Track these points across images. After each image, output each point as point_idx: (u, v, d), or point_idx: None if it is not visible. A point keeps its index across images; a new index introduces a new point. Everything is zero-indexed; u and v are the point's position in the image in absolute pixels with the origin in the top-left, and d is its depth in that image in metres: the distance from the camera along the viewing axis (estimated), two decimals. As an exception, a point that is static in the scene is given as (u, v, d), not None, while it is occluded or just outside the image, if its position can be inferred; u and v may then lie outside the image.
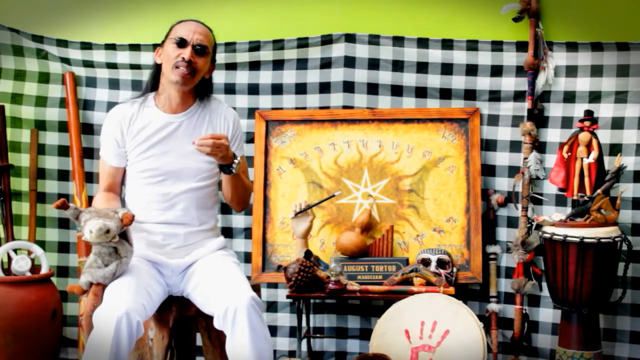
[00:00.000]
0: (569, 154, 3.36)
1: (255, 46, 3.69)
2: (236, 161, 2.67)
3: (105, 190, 2.79)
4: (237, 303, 2.42)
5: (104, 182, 2.81)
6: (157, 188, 2.70)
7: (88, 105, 3.83)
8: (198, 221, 2.73)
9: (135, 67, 3.75)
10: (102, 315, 2.37)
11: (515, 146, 3.58)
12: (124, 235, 2.53)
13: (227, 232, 3.72)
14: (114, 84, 3.80)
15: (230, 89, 3.72)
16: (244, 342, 2.41)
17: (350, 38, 3.63)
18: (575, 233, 3.16)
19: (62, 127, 3.82)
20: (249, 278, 3.36)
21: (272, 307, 3.72)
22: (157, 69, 2.78)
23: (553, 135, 3.53)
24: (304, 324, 3.57)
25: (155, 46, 3.65)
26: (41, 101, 3.82)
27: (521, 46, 3.52)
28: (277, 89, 3.72)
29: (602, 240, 3.13)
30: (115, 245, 2.50)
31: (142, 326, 2.40)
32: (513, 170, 3.58)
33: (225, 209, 3.75)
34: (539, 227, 3.39)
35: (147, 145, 2.70)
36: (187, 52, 2.66)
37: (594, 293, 3.18)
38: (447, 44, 3.58)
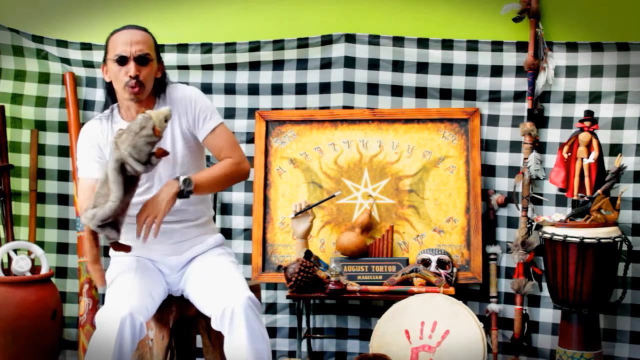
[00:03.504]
0: (569, 154, 3.36)
1: (255, 46, 3.69)
2: (188, 188, 2.50)
3: None
4: (234, 303, 2.42)
5: (88, 199, 2.61)
6: (145, 197, 2.64)
7: (88, 105, 3.83)
8: (193, 215, 2.71)
9: (135, 67, 3.74)
10: (106, 316, 2.37)
11: (515, 146, 3.58)
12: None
13: (227, 233, 3.72)
14: (114, 84, 3.80)
15: (230, 89, 3.72)
16: (242, 342, 2.41)
17: (350, 38, 3.63)
18: (575, 233, 3.16)
19: (62, 127, 3.82)
20: (248, 279, 3.36)
21: (272, 307, 3.72)
22: (109, 85, 2.70)
23: (553, 135, 3.53)
24: (304, 324, 3.57)
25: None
26: (41, 101, 3.82)
27: (521, 46, 3.52)
28: (277, 89, 3.72)
29: (602, 240, 3.13)
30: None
31: (145, 327, 2.41)
32: (513, 171, 3.58)
33: (224, 210, 3.75)
34: (539, 227, 3.39)
35: None
36: (131, 69, 2.56)
37: (594, 293, 3.18)
38: (447, 44, 3.58)
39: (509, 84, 3.56)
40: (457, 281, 3.46)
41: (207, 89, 3.70)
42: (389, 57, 3.62)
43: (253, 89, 3.73)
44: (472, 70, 3.57)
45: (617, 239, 3.16)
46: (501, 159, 3.60)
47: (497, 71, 3.56)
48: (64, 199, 3.84)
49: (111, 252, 2.77)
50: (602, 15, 3.47)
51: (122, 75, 2.57)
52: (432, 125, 3.62)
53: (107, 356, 2.31)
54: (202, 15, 3.73)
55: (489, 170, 3.61)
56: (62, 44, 3.77)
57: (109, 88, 2.70)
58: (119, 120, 2.69)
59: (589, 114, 3.35)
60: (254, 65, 3.72)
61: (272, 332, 3.70)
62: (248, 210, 3.73)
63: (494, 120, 3.59)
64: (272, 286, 3.71)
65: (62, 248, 3.85)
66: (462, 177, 3.58)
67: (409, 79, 3.63)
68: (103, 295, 3.70)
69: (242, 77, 3.73)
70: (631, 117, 3.44)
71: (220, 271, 2.62)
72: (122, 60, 2.57)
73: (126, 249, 2.52)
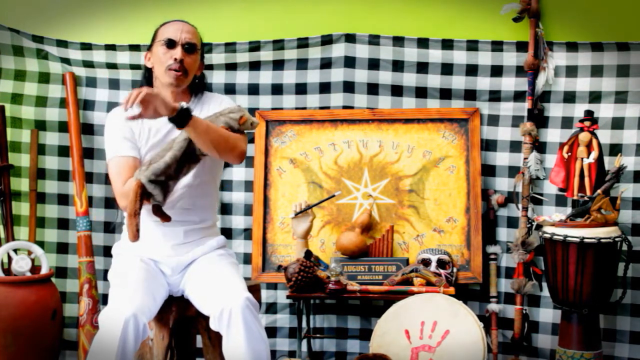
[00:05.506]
0: (569, 154, 3.36)
1: (255, 46, 3.69)
2: (183, 105, 2.40)
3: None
4: (232, 304, 2.42)
5: (126, 177, 2.60)
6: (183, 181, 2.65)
7: (88, 105, 3.83)
8: (198, 218, 2.73)
9: (135, 67, 3.75)
10: (109, 317, 2.37)
11: (515, 146, 3.58)
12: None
13: (227, 233, 3.72)
14: (114, 84, 3.80)
15: (230, 89, 3.72)
16: (240, 343, 2.41)
17: (350, 38, 3.63)
18: (575, 233, 3.16)
19: (62, 127, 3.82)
20: (248, 279, 3.36)
21: (272, 307, 3.72)
22: (148, 72, 2.76)
23: (553, 135, 3.53)
24: (304, 324, 3.57)
25: (154, 46, 3.70)
26: (41, 101, 3.82)
27: (521, 46, 3.52)
28: (277, 89, 3.72)
29: (602, 240, 3.13)
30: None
31: (147, 328, 2.41)
32: (513, 170, 3.58)
33: (225, 210, 3.75)
34: (539, 227, 3.39)
35: (148, 147, 2.69)
36: (177, 52, 2.64)
37: (594, 293, 3.18)
38: (447, 44, 3.58)
39: (509, 83, 3.56)
40: (457, 281, 3.46)
41: (207, 89, 3.70)
42: (389, 57, 3.62)
43: (253, 89, 3.73)
44: (472, 70, 3.57)
45: (617, 239, 3.16)
46: (501, 159, 3.60)
47: (497, 71, 3.56)
48: (64, 199, 3.84)
49: (114, 249, 2.79)
50: (602, 15, 3.47)
51: (167, 57, 2.64)
52: (432, 125, 3.62)
53: (110, 356, 2.31)
54: (202, 15, 3.72)
55: (489, 170, 3.61)
56: (62, 44, 3.77)
57: (148, 76, 2.75)
58: None
59: (589, 113, 3.35)
60: (254, 65, 3.72)
61: (272, 332, 3.70)
62: (248, 210, 3.73)
63: (494, 120, 3.60)
64: (272, 286, 3.71)
65: (62, 248, 3.85)
66: (462, 177, 3.58)
67: (409, 79, 3.63)
68: (103, 295, 3.71)
69: (242, 77, 3.73)
70: (631, 117, 3.44)
71: (219, 272, 2.62)
72: (170, 44, 2.66)
73: (165, 217, 2.55)
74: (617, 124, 3.45)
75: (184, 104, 2.41)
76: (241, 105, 2.68)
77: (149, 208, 2.62)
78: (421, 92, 3.63)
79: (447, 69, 3.59)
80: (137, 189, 2.48)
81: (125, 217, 2.76)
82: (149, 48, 2.74)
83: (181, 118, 2.39)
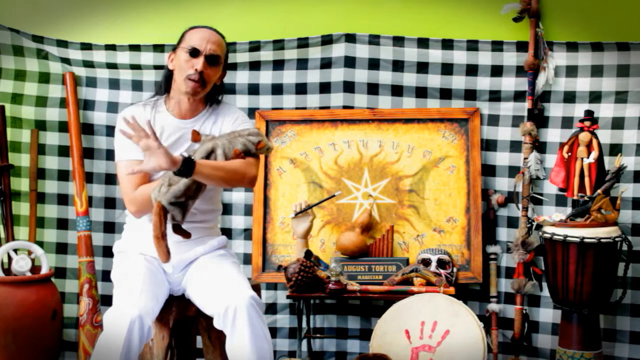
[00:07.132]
0: (569, 154, 3.36)
1: (255, 46, 3.69)
2: (184, 155, 2.40)
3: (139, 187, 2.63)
4: (236, 302, 2.42)
5: (136, 182, 2.61)
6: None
7: (88, 105, 3.83)
8: (199, 219, 2.73)
9: (135, 67, 3.75)
10: (115, 318, 2.37)
11: (515, 146, 3.58)
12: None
13: (227, 233, 3.72)
14: (114, 84, 3.80)
15: (230, 89, 3.72)
16: (244, 341, 2.41)
17: (350, 38, 3.63)
18: (575, 233, 3.16)
19: (62, 127, 3.82)
20: (248, 279, 3.36)
21: (272, 307, 3.72)
22: (169, 72, 2.74)
23: (553, 135, 3.53)
24: (304, 324, 3.57)
25: (155, 47, 3.70)
26: (41, 101, 3.82)
27: (521, 46, 3.52)
28: (277, 89, 3.72)
29: (602, 240, 3.13)
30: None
31: (152, 330, 2.41)
32: (513, 170, 3.58)
33: (224, 210, 3.75)
34: (539, 227, 3.39)
35: None
36: (199, 63, 2.62)
37: (594, 293, 3.18)
38: (447, 44, 3.58)
39: (509, 83, 3.56)
40: (457, 281, 3.46)
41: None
42: (389, 57, 3.62)
43: (253, 89, 3.73)
44: (472, 70, 3.57)
45: (617, 239, 3.16)
46: (501, 158, 3.60)
47: (497, 71, 3.56)
48: (64, 199, 3.83)
49: (115, 247, 2.79)
50: (602, 15, 3.48)
51: (188, 66, 2.63)
52: (432, 125, 3.62)
53: (114, 358, 2.31)
54: (201, 15, 3.72)
55: (489, 170, 3.61)
56: (62, 44, 3.77)
57: (168, 77, 2.73)
58: (164, 110, 2.72)
59: (589, 113, 3.35)
60: (254, 65, 3.71)
61: (272, 332, 3.70)
62: (248, 210, 3.73)
63: (494, 120, 3.60)
64: (272, 286, 3.71)
65: (62, 248, 3.84)
66: (462, 177, 3.58)
67: (409, 78, 3.63)
68: (103, 295, 3.71)
69: (242, 77, 3.73)
70: (631, 117, 3.44)
71: (222, 271, 2.63)
72: (194, 53, 2.64)
73: (186, 235, 2.56)
74: (617, 124, 3.45)
75: (185, 154, 2.41)
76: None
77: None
78: (421, 92, 3.63)
79: (447, 69, 3.59)
80: (159, 212, 2.46)
81: (127, 216, 2.77)
82: (174, 49, 2.72)
83: (187, 167, 2.39)
